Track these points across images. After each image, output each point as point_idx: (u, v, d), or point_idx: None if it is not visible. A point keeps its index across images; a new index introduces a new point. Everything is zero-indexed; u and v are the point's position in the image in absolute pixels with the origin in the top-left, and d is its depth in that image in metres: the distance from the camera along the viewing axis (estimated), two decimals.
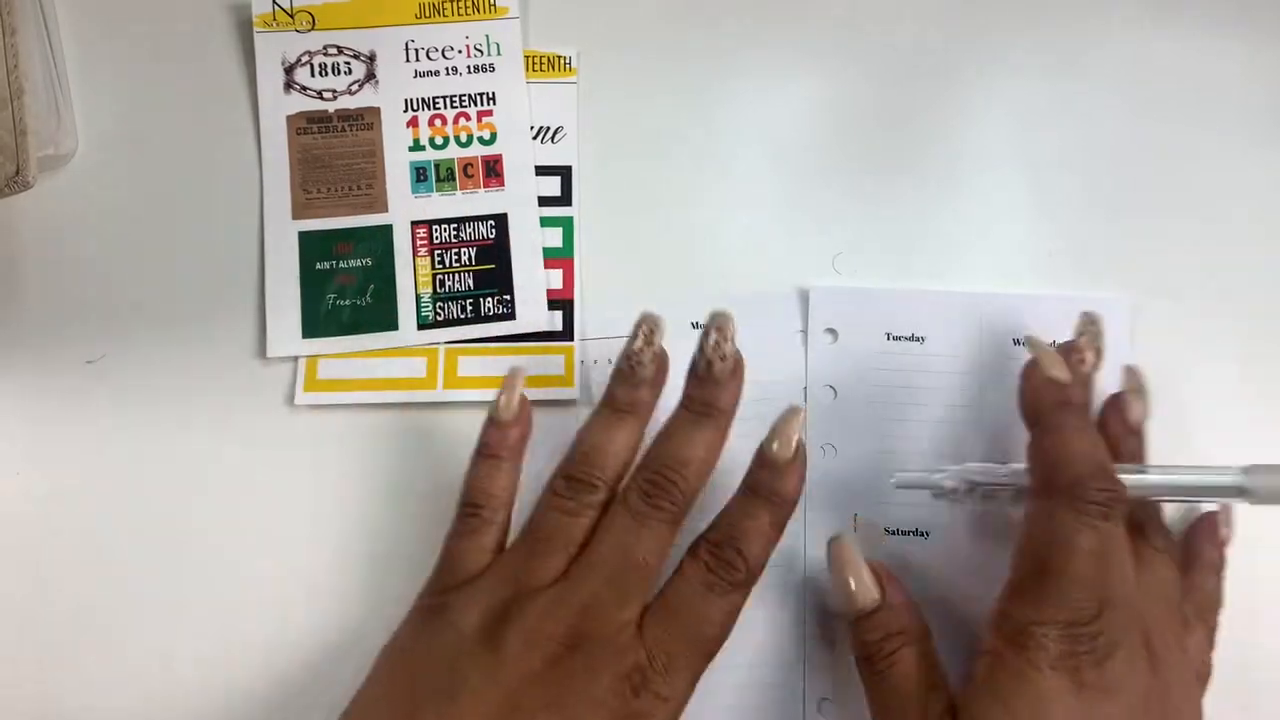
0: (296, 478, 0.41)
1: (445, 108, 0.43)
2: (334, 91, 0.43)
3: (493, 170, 0.43)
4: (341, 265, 0.42)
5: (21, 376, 0.43)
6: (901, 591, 0.35)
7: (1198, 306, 0.43)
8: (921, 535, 0.39)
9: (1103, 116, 0.45)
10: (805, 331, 0.41)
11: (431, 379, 0.41)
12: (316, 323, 0.41)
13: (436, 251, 0.42)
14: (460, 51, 0.44)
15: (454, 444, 0.40)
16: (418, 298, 0.41)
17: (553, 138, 0.44)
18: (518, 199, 0.42)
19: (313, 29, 0.43)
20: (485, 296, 0.42)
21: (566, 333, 0.41)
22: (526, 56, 0.44)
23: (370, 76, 0.43)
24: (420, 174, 0.43)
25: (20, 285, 0.44)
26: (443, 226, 0.42)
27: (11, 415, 0.43)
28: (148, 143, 0.45)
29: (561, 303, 0.42)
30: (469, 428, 0.37)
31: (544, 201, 0.43)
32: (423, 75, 0.43)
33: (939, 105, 0.45)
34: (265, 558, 0.40)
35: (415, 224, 0.42)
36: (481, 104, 0.43)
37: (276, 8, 0.43)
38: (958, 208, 0.44)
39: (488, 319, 0.41)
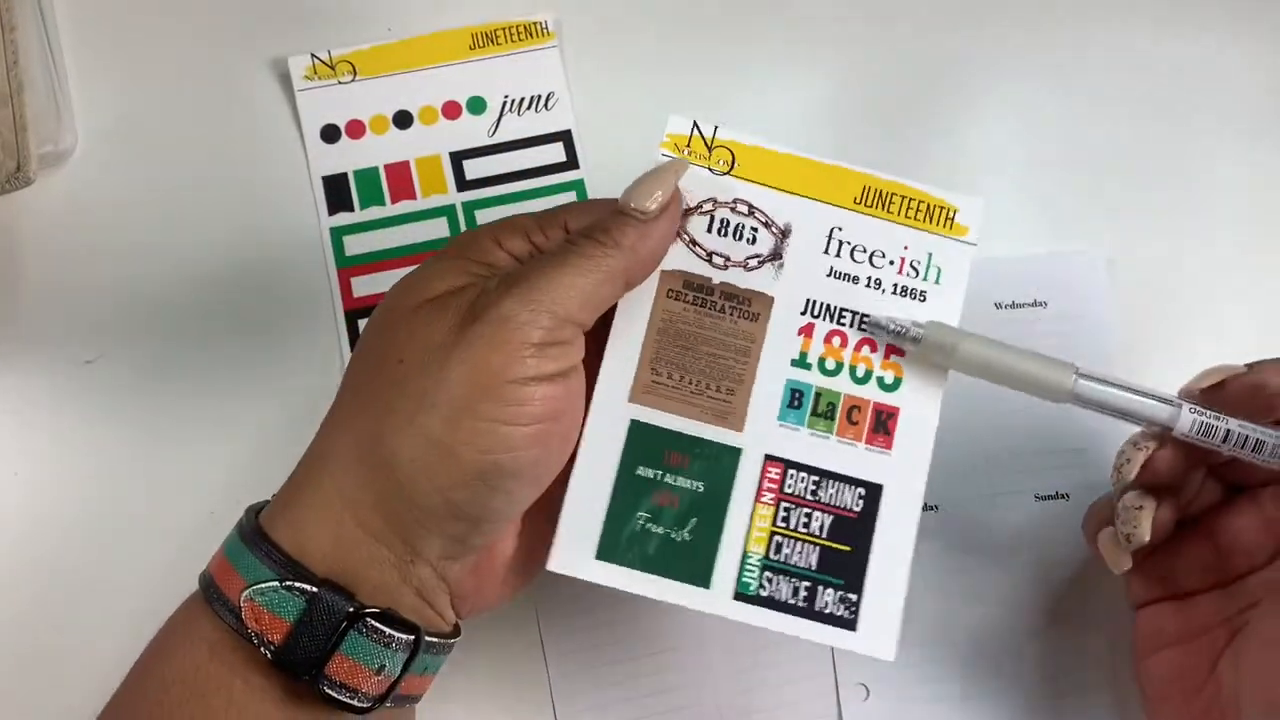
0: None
1: (850, 326, 0.34)
2: (727, 259, 0.34)
3: (882, 425, 0.34)
4: (667, 480, 0.33)
5: (20, 375, 0.43)
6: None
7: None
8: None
9: (1102, 118, 0.47)
10: None
11: None
12: (617, 543, 0.32)
13: (784, 504, 0.33)
14: (892, 263, 0.34)
15: None
16: (745, 556, 0.33)
17: (546, 104, 0.44)
18: (903, 472, 0.33)
19: (729, 172, 0.34)
20: (825, 586, 0.33)
21: None
22: (500, 29, 0.44)
23: (775, 255, 0.34)
24: (796, 398, 0.34)
25: (19, 283, 0.44)
26: (802, 475, 0.33)
27: (10, 414, 0.43)
28: (147, 139, 0.46)
29: None
30: None
31: (549, 169, 0.43)
32: (838, 276, 0.34)
33: (938, 99, 0.47)
34: None
35: (769, 459, 0.33)
36: None
37: (697, 134, 0.34)
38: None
39: (820, 616, 0.32)
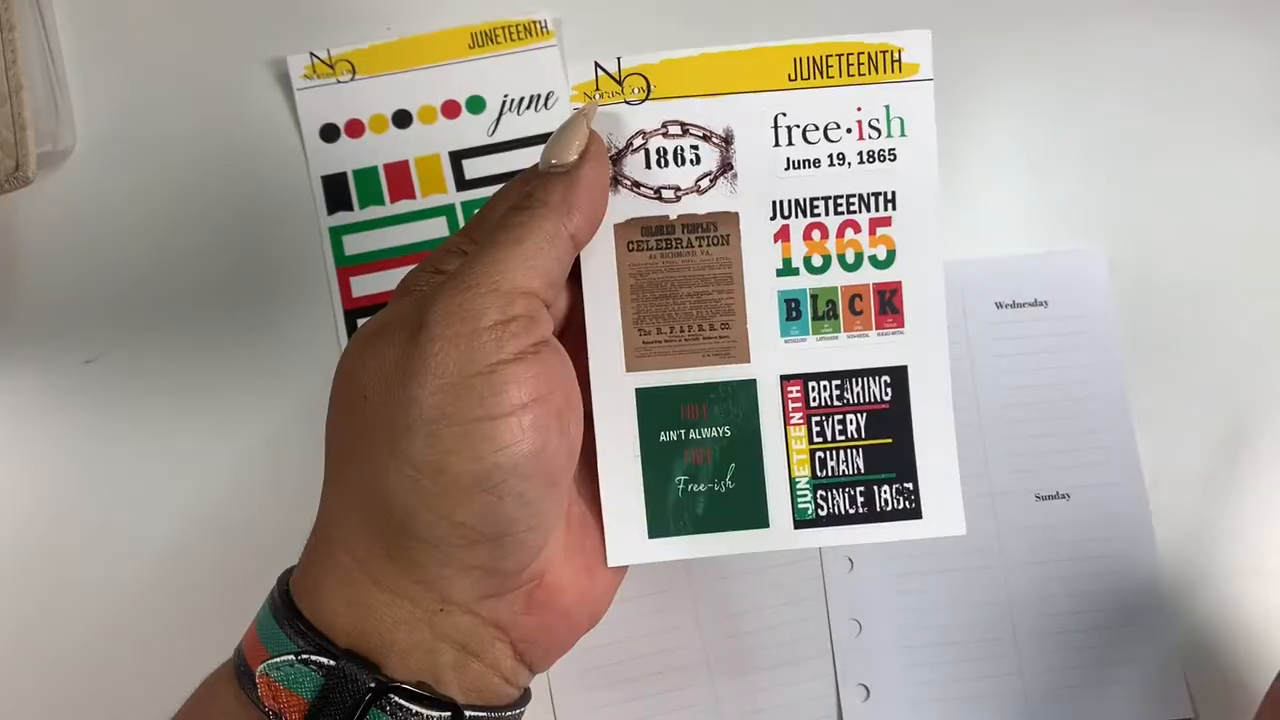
0: (295, 472, 0.38)
1: (826, 214, 0.32)
2: (677, 189, 0.31)
3: (888, 305, 0.32)
4: (692, 435, 0.32)
5: (20, 375, 0.44)
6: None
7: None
8: None
9: (1103, 117, 0.47)
10: None
11: None
12: (664, 517, 0.32)
13: (815, 419, 0.32)
14: (850, 131, 0.31)
15: None
16: (792, 483, 0.32)
17: (545, 103, 0.44)
18: (922, 345, 0.32)
19: (647, 98, 0.31)
20: (880, 484, 0.32)
21: None
22: (499, 29, 0.43)
23: (726, 167, 0.31)
24: (792, 308, 0.32)
25: (18, 283, 0.44)
26: (822, 384, 0.32)
27: (10, 413, 0.43)
28: (147, 139, 0.46)
29: None
30: None
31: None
32: (797, 165, 0.31)
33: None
34: (266, 556, 0.37)
35: (786, 379, 0.32)
36: (876, 208, 0.32)
37: (602, 73, 0.31)
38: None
39: (884, 515, 0.32)
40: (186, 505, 0.43)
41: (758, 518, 0.32)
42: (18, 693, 0.42)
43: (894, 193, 0.32)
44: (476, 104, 0.44)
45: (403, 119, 0.43)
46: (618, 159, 0.31)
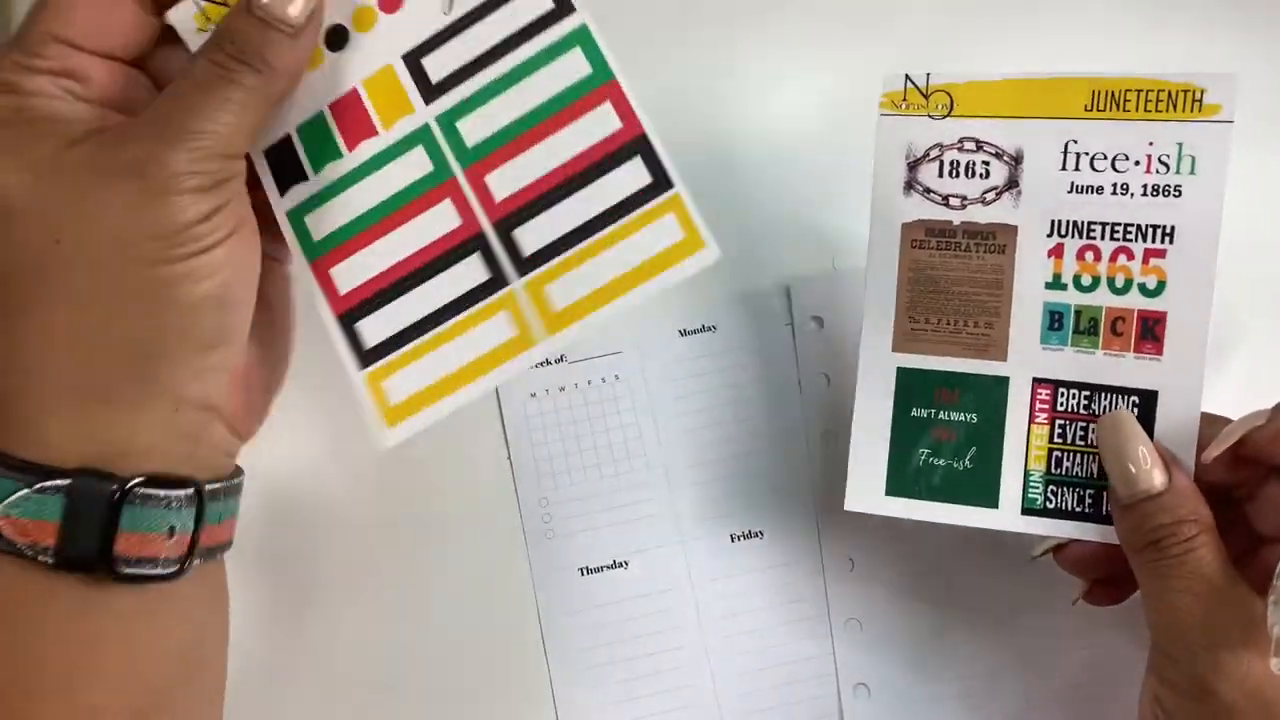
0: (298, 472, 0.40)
1: (1102, 238, 0.34)
2: (963, 199, 0.35)
3: (1149, 332, 0.34)
4: (941, 416, 0.36)
5: None
6: (1186, 474, 0.33)
7: None
8: None
9: None
10: (792, 324, 0.44)
11: None
12: (904, 479, 0.36)
13: (1059, 422, 0.35)
14: (1138, 164, 0.34)
15: None
16: (1026, 474, 0.35)
17: None
18: (1178, 375, 0.34)
19: (949, 114, 0.35)
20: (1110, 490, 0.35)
21: (661, 182, 0.30)
22: None
23: (1011, 184, 0.35)
24: (1055, 320, 0.35)
25: None
26: (1072, 392, 0.35)
27: None
28: None
29: (635, 143, 0.30)
30: None
31: (535, 28, 0.31)
32: (1080, 190, 0.34)
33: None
34: (265, 556, 0.40)
35: (1038, 382, 0.35)
36: (1153, 239, 0.34)
37: (910, 86, 0.35)
38: None
39: (1108, 519, 0.34)
40: None
41: (988, 498, 0.36)
42: None
43: (1173, 227, 0.33)
44: None
45: (336, 37, 0.32)
46: (914, 166, 0.35)
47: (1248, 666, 0.30)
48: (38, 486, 0.27)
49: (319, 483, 0.43)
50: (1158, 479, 0.32)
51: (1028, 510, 0.35)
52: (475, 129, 0.31)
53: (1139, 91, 0.33)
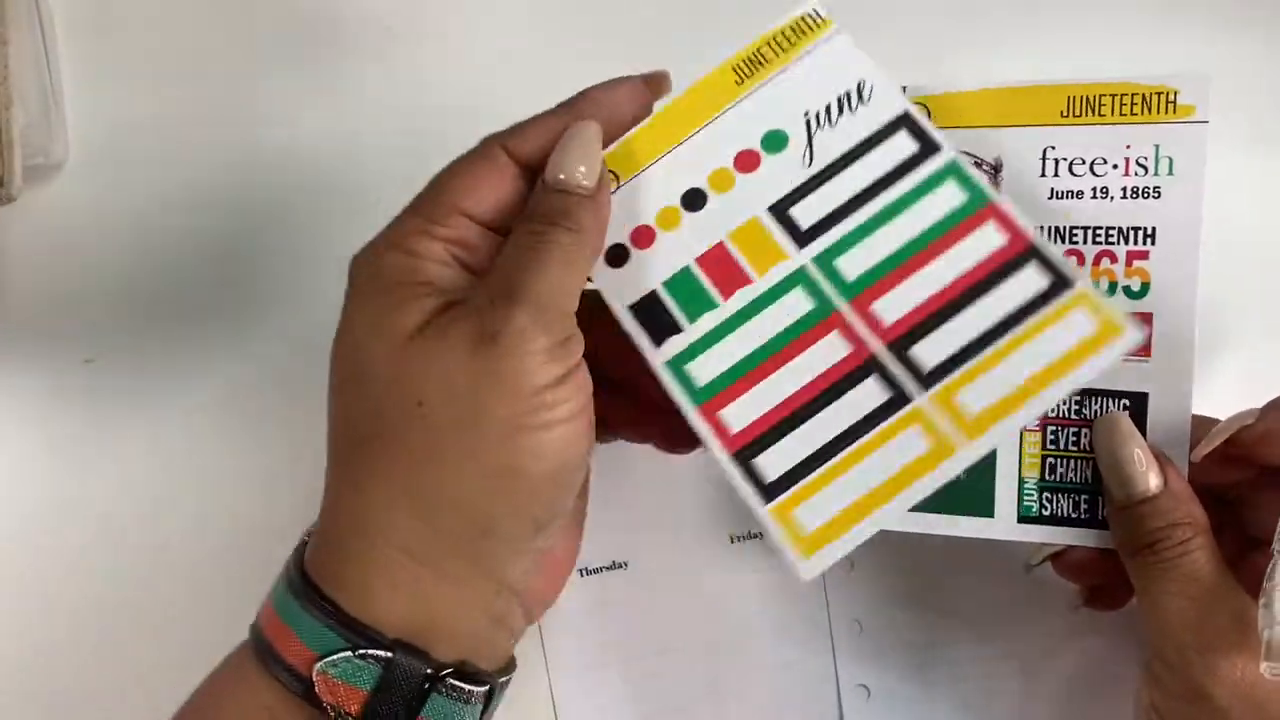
0: (297, 471, 0.39)
1: (1084, 242, 0.34)
2: None
3: None
4: None
5: (20, 375, 0.44)
6: (1180, 477, 0.33)
7: None
8: None
9: None
10: None
11: None
12: None
13: (1051, 428, 0.35)
14: (1116, 166, 0.34)
15: None
16: (1021, 481, 0.35)
17: (860, 97, 0.35)
18: (1166, 376, 0.34)
19: None
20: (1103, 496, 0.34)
21: (1060, 282, 0.30)
22: (765, 46, 0.34)
23: None
24: None
25: (18, 283, 0.45)
26: (1063, 400, 0.35)
27: (9, 412, 0.44)
28: (142, 151, 0.45)
29: (1025, 254, 0.30)
30: None
31: (902, 170, 0.33)
32: (1060, 195, 0.34)
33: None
34: (267, 554, 0.39)
35: None
36: (1134, 241, 0.34)
37: None
38: None
39: (1104, 524, 0.34)
40: (186, 503, 0.43)
41: (985, 508, 0.35)
42: (19, 690, 0.42)
43: (1154, 228, 0.34)
44: (775, 140, 0.35)
45: (693, 199, 0.35)
46: None
47: (1241, 669, 0.30)
48: (360, 652, 0.28)
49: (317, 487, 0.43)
50: (1153, 481, 0.32)
51: (1024, 518, 0.35)
52: (854, 264, 0.31)
53: (1114, 95, 0.34)
